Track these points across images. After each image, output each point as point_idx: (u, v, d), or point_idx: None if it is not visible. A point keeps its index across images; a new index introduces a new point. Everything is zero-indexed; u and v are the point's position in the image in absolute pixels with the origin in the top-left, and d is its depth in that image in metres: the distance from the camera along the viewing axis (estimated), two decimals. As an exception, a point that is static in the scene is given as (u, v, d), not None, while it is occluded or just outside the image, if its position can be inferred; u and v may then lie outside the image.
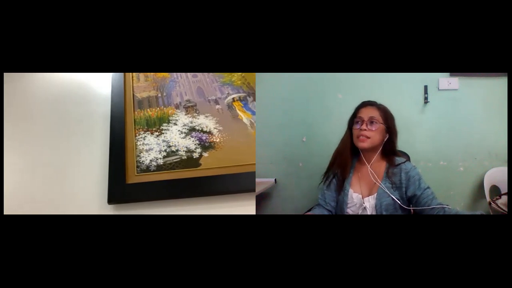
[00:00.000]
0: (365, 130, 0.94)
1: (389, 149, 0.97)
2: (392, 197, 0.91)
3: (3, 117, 1.26)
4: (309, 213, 0.98)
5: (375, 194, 0.93)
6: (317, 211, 0.98)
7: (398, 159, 0.97)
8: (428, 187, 0.92)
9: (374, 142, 0.94)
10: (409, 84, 1.36)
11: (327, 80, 1.38)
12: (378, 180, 0.94)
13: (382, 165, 0.96)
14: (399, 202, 0.91)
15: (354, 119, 0.97)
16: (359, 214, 0.94)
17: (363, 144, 0.93)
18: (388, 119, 0.96)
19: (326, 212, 0.97)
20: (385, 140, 0.95)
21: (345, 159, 0.97)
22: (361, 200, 0.94)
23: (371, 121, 0.94)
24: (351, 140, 0.97)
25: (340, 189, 0.97)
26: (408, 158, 1.06)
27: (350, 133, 0.97)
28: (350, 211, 0.95)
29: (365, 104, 0.98)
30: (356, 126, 0.95)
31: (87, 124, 1.24)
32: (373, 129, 0.94)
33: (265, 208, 1.38)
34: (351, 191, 0.96)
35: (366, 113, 0.96)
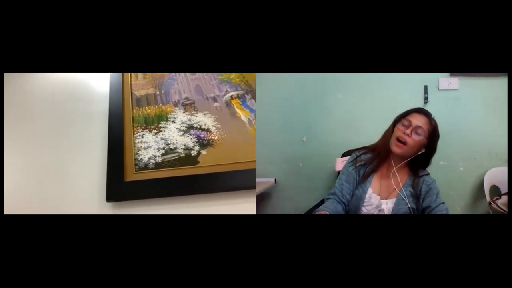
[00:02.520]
0: (407, 136, 0.91)
1: (420, 163, 0.96)
2: (408, 207, 0.92)
3: (3, 117, 1.26)
4: (321, 207, 0.96)
5: (394, 199, 0.93)
6: (330, 205, 0.96)
7: (422, 171, 0.97)
8: (443, 203, 0.93)
9: (408, 151, 0.92)
10: (409, 84, 1.36)
11: (327, 80, 1.37)
12: (400, 185, 0.94)
13: (406, 173, 0.96)
14: (412, 213, 0.91)
15: (402, 118, 0.95)
16: (359, 214, 0.93)
17: (397, 149, 0.92)
18: (433, 136, 0.94)
19: (339, 206, 0.95)
20: (419, 153, 0.94)
21: (383, 155, 0.96)
22: (379, 201, 0.94)
23: (417, 131, 0.92)
24: (391, 137, 0.95)
25: (361, 183, 0.96)
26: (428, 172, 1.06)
27: (393, 130, 0.96)
28: (365, 210, 0.94)
29: (420, 111, 0.95)
30: (401, 127, 0.93)
31: (86, 122, 1.24)
32: (415, 138, 0.92)
33: (265, 208, 1.38)
34: (370, 190, 0.95)
35: (416, 120, 0.93)
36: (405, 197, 0.93)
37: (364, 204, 0.94)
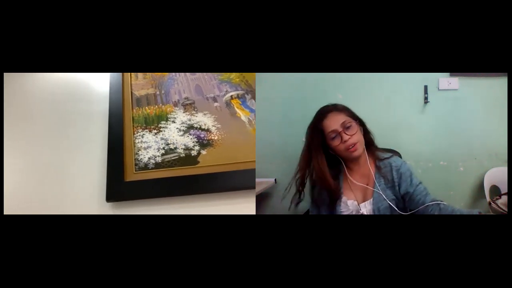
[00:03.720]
0: (348, 138, 0.87)
1: (367, 140, 0.93)
2: (388, 201, 0.89)
3: (3, 117, 1.26)
4: None
5: (371, 199, 0.91)
6: None
7: (383, 154, 0.93)
8: (420, 183, 0.89)
9: (362, 144, 0.89)
10: (409, 84, 1.36)
11: (327, 80, 1.37)
12: (372, 184, 0.91)
13: (371, 164, 0.92)
14: (395, 207, 0.89)
15: (324, 136, 0.89)
16: (360, 214, 0.93)
17: (357, 152, 0.88)
18: (351, 113, 0.91)
19: None
20: (364, 135, 0.92)
21: (333, 189, 0.90)
22: (357, 206, 0.91)
23: (346, 126, 0.88)
24: (325, 159, 0.90)
25: (333, 204, 0.92)
26: (396, 153, 1.04)
27: (321, 153, 0.89)
28: None
29: (324, 114, 0.90)
30: (335, 142, 0.88)
31: (86, 122, 1.24)
32: (352, 132, 0.88)
33: (265, 208, 1.38)
34: (344, 198, 0.92)
35: (333, 123, 0.88)
36: (382, 193, 0.89)
37: (343, 214, 0.91)
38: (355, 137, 0.88)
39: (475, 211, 0.83)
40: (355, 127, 0.89)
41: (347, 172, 0.93)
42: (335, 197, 0.91)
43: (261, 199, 1.35)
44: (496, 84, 1.35)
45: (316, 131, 0.90)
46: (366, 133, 0.93)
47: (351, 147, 0.87)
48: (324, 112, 0.91)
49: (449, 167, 1.35)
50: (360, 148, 0.89)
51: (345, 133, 0.87)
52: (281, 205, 1.38)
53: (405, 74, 1.35)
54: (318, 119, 0.91)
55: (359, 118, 0.92)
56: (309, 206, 0.98)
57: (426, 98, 1.35)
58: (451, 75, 1.35)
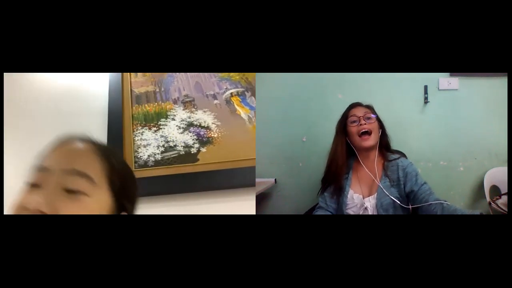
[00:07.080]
0: (365, 124, 0.95)
1: (384, 143, 0.99)
2: (391, 198, 0.91)
3: (3, 117, 1.26)
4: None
5: (375, 194, 0.93)
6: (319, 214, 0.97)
7: (392, 155, 0.98)
8: (425, 183, 0.92)
9: (376, 137, 0.95)
10: (409, 84, 1.36)
11: (327, 80, 1.37)
12: (377, 179, 0.94)
13: (380, 163, 0.96)
14: (398, 202, 0.91)
15: (346, 120, 0.98)
16: (360, 214, 0.94)
17: (368, 142, 0.94)
18: (376, 113, 0.99)
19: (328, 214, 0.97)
20: (380, 134, 0.97)
21: (340, 168, 0.97)
22: (362, 200, 0.94)
23: (367, 116, 0.96)
24: (346, 145, 0.98)
25: (339, 193, 0.97)
26: (403, 155, 1.07)
27: (343, 137, 0.98)
28: (351, 211, 0.94)
29: (354, 105, 1.00)
30: (353, 124, 0.96)
31: (85, 120, 1.24)
32: (371, 122, 0.95)
33: (265, 208, 1.38)
34: (351, 192, 0.96)
35: (358, 111, 0.97)
36: (384, 189, 0.92)
37: (348, 206, 0.95)
38: (370, 126, 0.95)
39: (477, 212, 0.84)
40: (373, 121, 0.97)
41: (359, 158, 0.98)
42: (339, 183, 0.97)
43: (261, 199, 1.35)
44: (496, 84, 1.35)
45: (343, 117, 1.00)
46: (384, 135, 0.99)
47: (364, 135, 0.94)
48: (355, 104, 1.01)
49: (449, 167, 1.35)
50: (372, 140, 0.95)
51: (363, 120, 0.95)
52: (281, 205, 1.39)
53: (405, 74, 1.35)
54: (348, 108, 1.01)
55: (381, 120, 0.99)
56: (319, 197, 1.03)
57: (426, 98, 1.35)
58: (451, 75, 1.36)
